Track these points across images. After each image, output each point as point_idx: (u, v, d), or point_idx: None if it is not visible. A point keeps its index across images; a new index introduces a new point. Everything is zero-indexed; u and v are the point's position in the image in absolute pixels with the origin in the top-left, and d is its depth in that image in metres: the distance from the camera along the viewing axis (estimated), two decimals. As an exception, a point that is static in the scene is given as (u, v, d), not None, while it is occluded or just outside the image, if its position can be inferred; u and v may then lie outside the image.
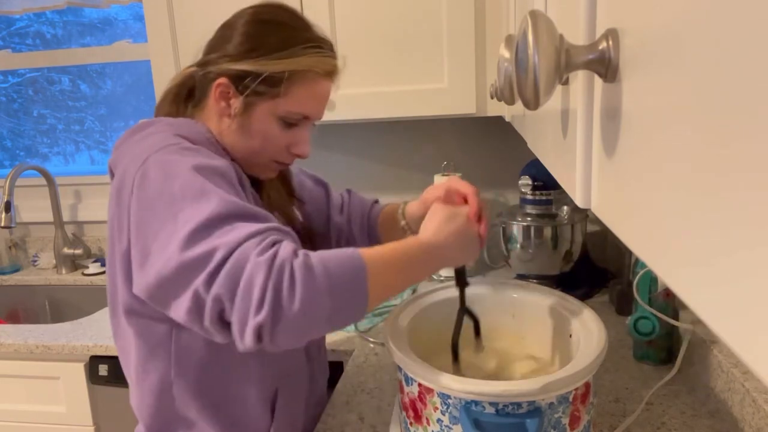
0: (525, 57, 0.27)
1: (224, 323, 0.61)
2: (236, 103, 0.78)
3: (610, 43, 0.27)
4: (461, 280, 0.84)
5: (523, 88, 0.28)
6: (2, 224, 1.75)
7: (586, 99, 0.32)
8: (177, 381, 0.79)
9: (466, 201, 0.84)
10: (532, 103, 0.28)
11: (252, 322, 0.57)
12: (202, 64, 0.83)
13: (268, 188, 0.92)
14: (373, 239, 1.04)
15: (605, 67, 0.27)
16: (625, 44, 0.26)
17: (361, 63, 1.36)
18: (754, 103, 0.14)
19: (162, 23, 1.43)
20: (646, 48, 0.23)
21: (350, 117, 1.40)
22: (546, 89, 0.27)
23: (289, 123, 0.81)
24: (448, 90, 1.34)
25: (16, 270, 2.01)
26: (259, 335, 0.58)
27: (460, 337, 0.82)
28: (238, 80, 0.77)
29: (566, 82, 0.38)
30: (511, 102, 0.64)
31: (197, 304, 0.60)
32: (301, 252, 0.61)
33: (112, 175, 0.77)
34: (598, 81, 0.30)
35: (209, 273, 0.59)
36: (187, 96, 0.86)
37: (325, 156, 1.77)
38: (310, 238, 0.99)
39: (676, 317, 1.02)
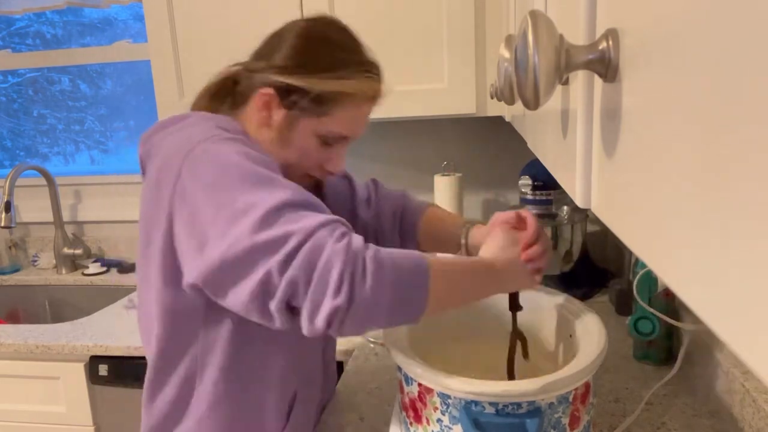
0: (525, 57, 0.27)
1: (290, 308, 0.61)
2: (278, 114, 0.78)
3: (610, 43, 0.27)
4: (514, 304, 0.84)
5: (523, 88, 0.28)
6: (2, 224, 1.75)
7: (586, 99, 0.32)
8: (199, 385, 0.78)
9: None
10: (532, 103, 0.28)
11: (328, 306, 0.58)
12: (248, 69, 0.82)
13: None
14: (406, 239, 1.01)
15: (605, 67, 0.27)
16: (625, 44, 0.26)
17: (361, 63, 1.36)
18: (754, 103, 0.14)
19: (162, 23, 1.43)
20: (646, 48, 0.23)
21: (350, 117, 1.39)
22: (546, 89, 0.27)
23: (328, 142, 0.80)
24: (448, 90, 1.34)
25: (16, 270, 2.01)
26: (330, 320, 0.59)
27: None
28: (284, 93, 0.77)
29: (566, 82, 0.38)
30: (511, 102, 0.64)
31: (266, 287, 0.60)
32: (371, 245, 0.63)
33: (143, 167, 0.77)
34: (598, 81, 0.30)
35: (286, 255, 0.59)
36: (225, 96, 0.85)
37: (325, 156, 1.77)
38: None
39: (676, 317, 1.02)
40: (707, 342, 0.93)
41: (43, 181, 1.92)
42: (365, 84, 0.78)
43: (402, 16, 1.33)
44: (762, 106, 0.14)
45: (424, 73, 1.34)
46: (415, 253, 0.66)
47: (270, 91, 0.77)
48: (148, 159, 0.76)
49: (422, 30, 1.33)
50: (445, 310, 0.69)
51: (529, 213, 0.84)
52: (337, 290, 0.58)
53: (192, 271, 0.66)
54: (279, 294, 0.59)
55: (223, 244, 0.62)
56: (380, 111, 1.39)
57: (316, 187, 0.96)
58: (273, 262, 0.59)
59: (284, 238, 0.60)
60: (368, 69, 0.79)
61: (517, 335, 0.84)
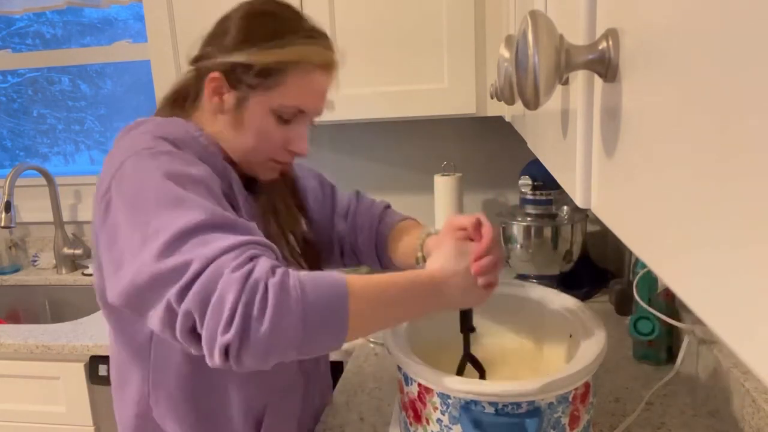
0: (525, 57, 0.27)
1: (196, 336, 0.59)
2: (230, 98, 0.76)
3: (610, 43, 0.27)
4: (466, 324, 0.78)
5: (523, 88, 0.28)
6: (2, 224, 1.75)
7: (586, 99, 0.32)
8: (155, 391, 0.76)
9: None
10: (532, 103, 0.28)
11: (219, 341, 0.55)
12: (196, 59, 0.80)
13: (270, 191, 0.88)
14: (381, 253, 0.98)
15: (605, 67, 0.27)
16: (625, 44, 0.26)
17: (361, 63, 1.36)
18: (754, 103, 0.14)
19: (162, 23, 1.43)
20: (646, 48, 0.23)
21: (350, 117, 1.39)
22: (546, 89, 0.27)
23: (284, 118, 0.77)
24: (448, 90, 1.34)
25: (16, 270, 2.01)
26: (226, 354, 0.56)
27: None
28: (231, 74, 0.75)
29: (566, 82, 0.38)
30: (511, 102, 0.64)
31: (169, 316, 0.58)
32: (279, 270, 0.59)
33: None
34: (598, 81, 0.30)
35: (182, 286, 0.57)
36: (184, 100, 0.83)
37: (324, 156, 1.77)
38: (312, 246, 0.94)
39: (676, 317, 1.02)
40: (707, 342, 0.93)
41: (43, 181, 1.92)
42: (309, 50, 0.76)
43: (402, 16, 1.33)
44: (762, 105, 0.14)
45: (424, 73, 1.34)
46: (334, 274, 0.62)
47: (216, 74, 0.75)
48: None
49: (422, 30, 1.33)
50: (375, 330, 0.67)
51: (485, 220, 0.79)
52: (228, 324, 0.55)
53: (111, 291, 0.64)
54: (178, 324, 0.57)
55: (131, 270, 0.60)
56: (380, 111, 1.40)
57: (287, 184, 0.94)
58: (172, 291, 0.57)
59: (184, 267, 0.57)
60: (310, 35, 0.77)
61: (470, 359, 0.79)
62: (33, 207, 2.03)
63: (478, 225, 0.78)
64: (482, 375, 0.80)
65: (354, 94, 1.37)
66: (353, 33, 1.35)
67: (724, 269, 0.16)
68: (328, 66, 0.79)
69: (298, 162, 0.91)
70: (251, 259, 0.59)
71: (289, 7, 0.79)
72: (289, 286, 0.58)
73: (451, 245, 0.75)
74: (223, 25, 0.79)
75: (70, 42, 2.01)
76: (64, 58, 1.97)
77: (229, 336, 0.55)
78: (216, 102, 0.77)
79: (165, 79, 1.46)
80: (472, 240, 0.77)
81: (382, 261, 0.99)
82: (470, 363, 0.80)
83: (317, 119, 0.84)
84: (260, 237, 0.64)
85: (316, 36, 0.78)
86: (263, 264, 0.58)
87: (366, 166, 1.76)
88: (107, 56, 1.94)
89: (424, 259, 0.87)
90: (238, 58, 0.74)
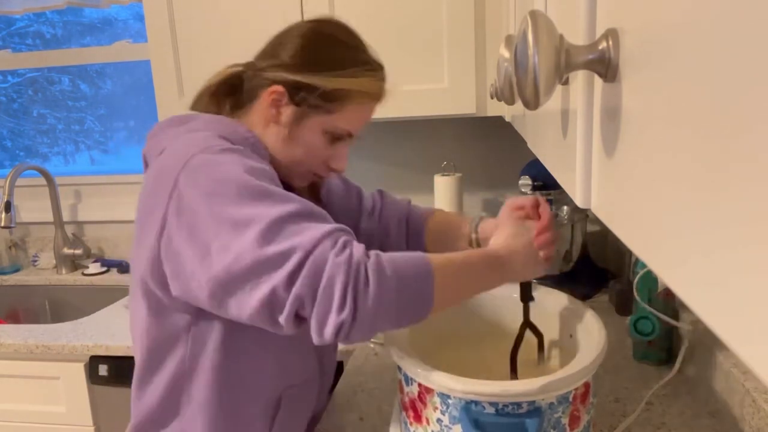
0: (525, 57, 0.27)
1: (298, 319, 0.63)
2: (287, 111, 0.79)
3: (610, 43, 0.27)
4: (526, 295, 0.84)
5: (523, 88, 0.28)
6: (2, 224, 1.75)
7: (586, 99, 0.32)
8: (188, 382, 0.78)
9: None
10: (532, 103, 0.28)
11: (334, 321, 0.60)
12: (254, 68, 0.83)
13: (297, 192, 0.90)
14: (413, 245, 1.01)
15: (605, 67, 0.27)
16: (625, 44, 0.26)
17: (361, 63, 1.36)
18: (754, 103, 0.14)
19: (162, 23, 1.43)
20: (646, 48, 0.23)
21: (350, 117, 1.39)
22: (546, 89, 0.27)
23: (333, 138, 0.82)
24: (448, 90, 1.34)
25: (16, 270, 2.01)
26: (337, 332, 0.61)
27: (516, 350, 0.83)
28: (294, 90, 0.78)
29: (566, 82, 0.38)
30: (511, 102, 0.64)
31: (273, 301, 0.61)
32: (372, 253, 0.64)
33: (146, 164, 0.78)
34: (598, 81, 0.30)
35: (290, 272, 0.60)
36: (226, 94, 0.85)
37: (325, 156, 1.77)
38: None
39: (676, 317, 1.02)
40: (707, 342, 0.93)
41: (43, 181, 1.92)
42: (371, 82, 0.81)
43: (402, 16, 1.33)
44: (762, 105, 0.14)
45: (424, 73, 1.34)
46: (417, 254, 0.67)
47: (279, 88, 0.78)
48: (150, 157, 0.76)
49: (422, 30, 1.33)
50: (453, 305, 0.71)
51: (543, 200, 0.87)
52: (341, 305, 0.60)
53: (191, 281, 0.66)
54: (287, 308, 0.61)
55: (227, 258, 0.62)
56: (380, 111, 1.39)
57: (312, 190, 0.96)
58: (278, 277, 0.60)
59: (288, 253, 0.61)
60: (374, 68, 0.82)
61: (529, 326, 0.84)
62: (33, 207, 2.03)
63: (536, 205, 0.87)
64: (540, 340, 0.85)
65: (354, 94, 1.37)
66: (353, 33, 1.35)
67: (724, 269, 0.16)
68: (381, 96, 0.85)
69: None
70: (345, 245, 0.63)
71: (353, 33, 0.84)
72: (384, 266, 0.62)
73: (512, 224, 0.83)
74: (285, 39, 0.81)
75: (70, 42, 2.01)
76: (64, 58, 1.97)
77: (343, 315, 0.60)
78: (273, 113, 0.80)
79: (165, 79, 1.46)
80: (530, 219, 0.85)
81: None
82: (530, 329, 0.84)
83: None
84: (341, 224, 0.67)
85: (377, 69, 0.83)
86: (358, 248, 0.63)
87: (366, 166, 1.76)
88: (107, 56, 1.94)
89: (479, 243, 0.94)
90: (305, 78, 0.77)
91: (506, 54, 0.54)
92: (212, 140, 0.72)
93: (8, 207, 1.76)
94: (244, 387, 0.79)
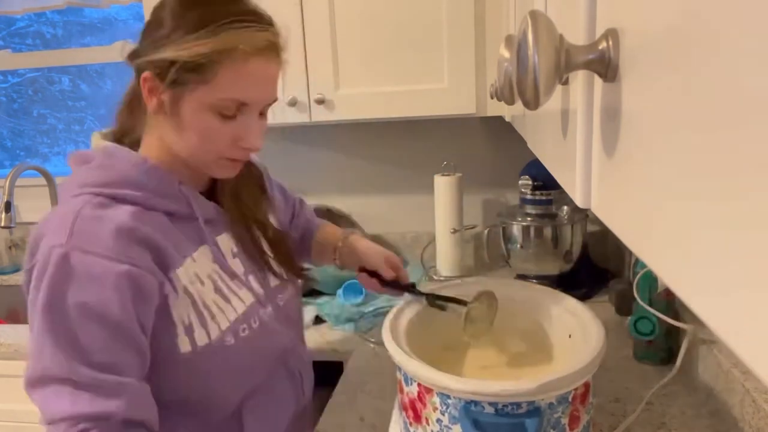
0: (525, 57, 0.27)
1: None
2: (165, 97, 0.70)
3: (610, 43, 0.27)
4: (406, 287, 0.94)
5: (523, 88, 0.28)
6: (2, 224, 1.75)
7: (586, 99, 0.32)
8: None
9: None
10: (532, 103, 0.28)
11: None
12: (131, 56, 0.73)
13: (239, 189, 0.86)
14: (304, 252, 1.10)
15: (605, 67, 0.27)
16: (625, 44, 0.26)
17: (361, 63, 1.36)
18: (754, 103, 0.14)
19: (162, 23, 1.43)
20: (646, 48, 0.23)
21: (350, 117, 1.39)
22: (546, 89, 0.27)
23: (226, 114, 0.71)
24: (448, 90, 1.34)
25: (16, 270, 2.01)
26: None
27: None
28: (163, 72, 0.68)
29: (566, 82, 0.38)
30: (511, 102, 0.64)
31: None
32: None
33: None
34: (598, 81, 0.30)
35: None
36: (136, 103, 0.77)
37: (324, 156, 1.77)
38: (283, 239, 0.95)
39: (676, 317, 1.02)
40: (707, 342, 0.93)
41: (43, 181, 1.92)
42: (239, 35, 0.68)
43: (402, 16, 1.33)
44: (762, 105, 0.14)
45: (424, 73, 1.34)
46: None
47: (147, 74, 0.69)
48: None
49: (422, 30, 1.32)
50: None
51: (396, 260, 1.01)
52: None
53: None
54: None
55: (28, 371, 0.75)
56: (380, 111, 1.40)
57: (250, 176, 0.91)
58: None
59: (40, 408, 0.70)
60: (243, 19, 0.68)
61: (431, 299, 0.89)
62: (33, 207, 2.03)
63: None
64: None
65: (354, 94, 1.37)
66: (353, 33, 1.35)
67: (724, 269, 0.16)
68: (265, 49, 0.71)
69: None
70: None
71: None
72: None
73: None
74: (156, 14, 0.71)
75: (70, 42, 2.01)
76: (64, 58, 1.97)
77: None
78: (154, 103, 0.71)
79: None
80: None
81: (303, 256, 1.11)
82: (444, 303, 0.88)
83: (272, 106, 0.78)
84: (110, 405, 0.66)
85: (248, 18, 0.69)
86: None
87: (366, 166, 1.76)
88: (107, 56, 1.94)
89: (342, 254, 1.04)
90: (167, 53, 0.67)
91: (506, 54, 0.54)
92: (85, 225, 0.67)
93: (8, 207, 1.76)
94: (193, 410, 0.79)
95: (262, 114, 0.77)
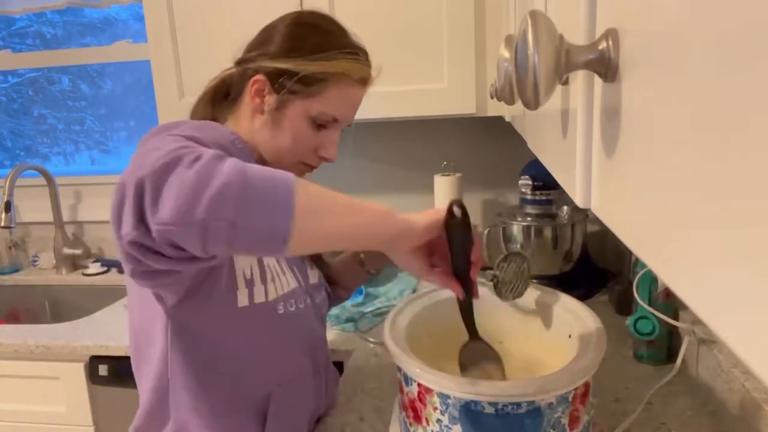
0: (525, 57, 0.27)
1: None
2: (270, 100, 0.81)
3: (610, 43, 0.27)
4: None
5: (523, 88, 0.28)
6: (2, 224, 1.75)
7: (586, 99, 0.32)
8: (171, 373, 0.78)
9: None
10: (532, 103, 0.28)
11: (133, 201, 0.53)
12: (240, 62, 0.85)
13: None
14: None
15: (605, 67, 0.27)
16: (625, 44, 0.26)
17: (361, 63, 1.36)
18: (754, 103, 0.14)
19: (162, 23, 1.43)
20: (646, 48, 0.23)
21: (350, 117, 1.39)
22: (546, 89, 0.27)
23: (319, 124, 0.82)
24: (448, 90, 1.34)
25: (16, 270, 2.01)
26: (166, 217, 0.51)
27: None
28: (275, 78, 0.79)
29: (566, 82, 0.38)
30: (511, 102, 0.64)
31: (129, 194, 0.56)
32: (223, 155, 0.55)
33: None
34: (598, 81, 0.30)
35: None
36: (224, 97, 0.87)
37: (325, 156, 1.77)
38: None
39: (676, 317, 1.02)
40: (707, 342, 0.93)
41: (43, 181, 1.92)
42: (351, 65, 0.81)
43: (402, 16, 1.33)
44: (763, 105, 0.14)
45: (424, 73, 1.34)
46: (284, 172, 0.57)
47: (261, 77, 0.80)
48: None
49: (422, 30, 1.33)
50: (321, 242, 0.59)
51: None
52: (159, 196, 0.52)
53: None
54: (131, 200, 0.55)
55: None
56: (381, 111, 1.40)
57: None
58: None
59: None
60: (353, 51, 0.82)
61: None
62: (33, 207, 2.03)
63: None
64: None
65: (354, 94, 1.37)
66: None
67: (723, 269, 0.16)
68: (365, 81, 0.85)
69: None
70: (198, 157, 0.54)
71: (334, 21, 0.85)
72: (225, 158, 0.54)
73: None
74: (269, 31, 0.83)
75: (70, 42, 2.01)
76: (64, 58, 1.97)
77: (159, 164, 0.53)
78: (257, 102, 0.81)
79: (165, 79, 1.46)
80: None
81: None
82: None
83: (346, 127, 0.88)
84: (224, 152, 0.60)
85: (358, 52, 0.84)
86: (208, 152, 0.55)
87: (366, 166, 1.76)
88: (107, 56, 1.94)
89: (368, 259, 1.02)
90: (284, 64, 0.79)
91: (506, 54, 0.54)
92: (173, 143, 0.62)
93: (8, 207, 1.76)
94: (224, 385, 0.80)
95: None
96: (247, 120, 0.83)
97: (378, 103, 1.37)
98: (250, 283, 0.78)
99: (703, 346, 0.95)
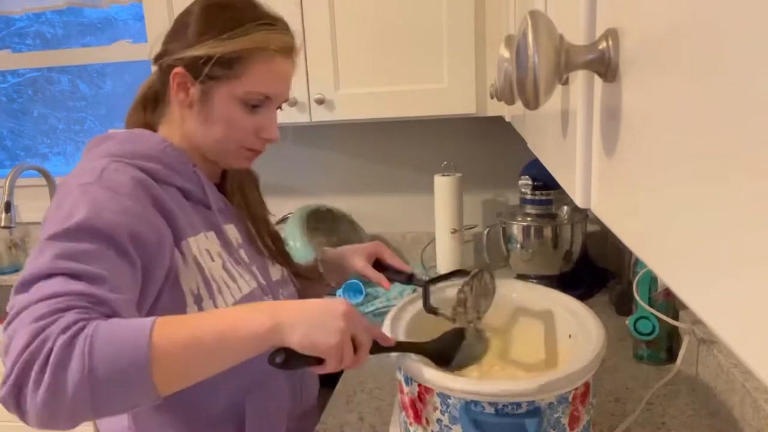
0: (525, 57, 0.27)
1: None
2: (195, 91, 0.78)
3: (610, 43, 0.27)
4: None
5: (523, 88, 0.28)
6: (2, 224, 1.75)
7: (586, 99, 0.32)
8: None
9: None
10: (532, 103, 0.28)
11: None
12: (157, 58, 0.82)
13: (243, 186, 0.94)
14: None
15: (605, 66, 0.27)
16: (625, 44, 0.26)
17: (361, 63, 1.36)
18: (753, 103, 0.14)
19: (162, 23, 1.42)
20: (646, 48, 0.23)
21: (350, 117, 1.40)
22: (546, 89, 0.27)
23: (252, 105, 0.79)
24: (448, 90, 1.34)
25: (16, 270, 2.01)
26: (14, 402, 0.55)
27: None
28: (194, 67, 0.76)
29: (566, 82, 0.38)
30: (511, 102, 0.64)
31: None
32: (78, 326, 0.55)
33: None
34: (598, 81, 0.30)
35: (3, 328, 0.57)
36: (155, 101, 0.85)
37: (324, 156, 1.77)
38: (281, 240, 0.99)
39: (676, 317, 1.02)
40: (707, 342, 0.93)
41: (43, 181, 1.92)
42: (267, 36, 0.78)
43: (402, 16, 1.33)
44: (762, 105, 0.14)
45: (424, 73, 1.34)
46: (144, 323, 0.57)
47: (179, 70, 0.77)
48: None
49: (422, 30, 1.33)
50: (197, 378, 0.61)
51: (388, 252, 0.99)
52: (5, 380, 0.54)
53: None
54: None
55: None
56: (380, 111, 1.40)
57: (250, 177, 0.96)
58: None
59: (10, 308, 0.59)
60: (268, 22, 0.79)
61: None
62: (33, 207, 2.03)
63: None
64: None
65: (354, 94, 1.37)
66: (353, 33, 1.35)
67: (723, 269, 0.16)
68: (287, 50, 0.81)
69: None
70: (60, 311, 0.56)
71: None
72: (76, 343, 0.54)
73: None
74: (182, 19, 0.81)
75: (70, 42, 2.01)
76: (64, 58, 1.97)
77: (3, 391, 0.54)
78: (182, 97, 0.79)
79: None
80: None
81: None
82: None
83: (287, 105, 0.89)
84: (98, 290, 0.60)
85: (274, 22, 0.80)
86: (66, 318, 0.55)
87: (366, 166, 1.76)
88: (107, 56, 1.94)
89: (324, 271, 1.03)
90: (199, 51, 0.76)
91: (506, 54, 0.54)
92: (98, 170, 0.69)
93: (8, 207, 1.76)
94: (195, 400, 0.78)
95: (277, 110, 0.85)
96: (178, 118, 0.81)
97: (378, 103, 1.37)
98: (198, 299, 0.75)
99: (703, 346, 0.95)
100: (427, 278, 0.86)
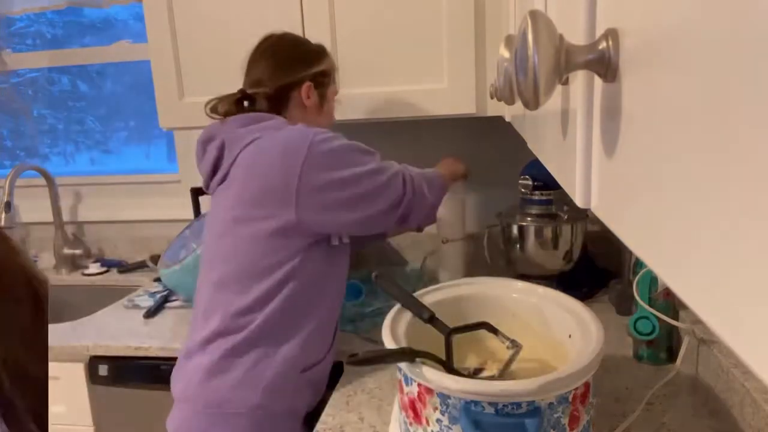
0: (525, 57, 0.27)
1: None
2: (315, 94, 1.16)
3: (610, 43, 0.27)
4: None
5: (522, 88, 0.28)
6: (2, 224, 1.75)
7: (585, 99, 0.32)
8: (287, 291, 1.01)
9: None
10: (532, 103, 0.28)
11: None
12: (274, 86, 1.13)
13: None
14: None
15: (605, 67, 0.27)
16: (625, 44, 0.26)
17: (361, 63, 1.36)
18: (754, 103, 0.14)
19: (162, 23, 1.43)
20: (646, 48, 0.23)
21: (350, 117, 1.39)
22: (546, 89, 0.27)
23: (334, 99, 1.23)
24: (448, 90, 1.34)
25: (16, 270, 2.01)
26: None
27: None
28: (315, 80, 1.16)
29: (566, 82, 0.38)
30: (511, 102, 0.64)
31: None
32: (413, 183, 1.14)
33: (221, 152, 1.05)
34: (597, 81, 0.30)
35: (403, 184, 1.10)
36: (241, 106, 1.12)
37: (325, 156, 1.77)
38: None
39: (676, 317, 1.02)
40: (707, 342, 0.93)
41: (43, 181, 1.92)
42: (331, 58, 1.22)
43: (402, 16, 1.33)
44: (761, 105, 0.14)
45: (424, 73, 1.34)
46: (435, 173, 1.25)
47: (309, 84, 1.14)
48: (234, 146, 1.03)
49: (422, 30, 1.32)
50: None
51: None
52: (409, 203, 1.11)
53: (373, 207, 1.05)
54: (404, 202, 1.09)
55: (386, 186, 1.08)
56: (381, 111, 1.40)
57: None
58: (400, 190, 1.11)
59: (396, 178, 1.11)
60: (325, 50, 1.22)
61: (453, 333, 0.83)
62: (33, 207, 2.03)
63: None
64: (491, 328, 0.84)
65: (354, 94, 1.37)
66: (353, 33, 1.35)
67: (723, 269, 0.16)
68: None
69: None
70: (404, 179, 1.12)
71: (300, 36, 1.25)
72: (423, 190, 1.15)
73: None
74: (273, 55, 1.16)
75: (70, 42, 2.01)
76: (64, 58, 1.97)
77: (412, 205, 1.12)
78: (312, 101, 1.16)
79: (165, 79, 1.46)
80: None
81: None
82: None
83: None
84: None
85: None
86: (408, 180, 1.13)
87: (366, 166, 1.76)
88: (107, 56, 1.94)
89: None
90: (318, 68, 1.16)
91: (506, 54, 0.54)
92: (310, 128, 1.04)
93: (8, 207, 1.76)
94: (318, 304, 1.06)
95: None
96: (299, 115, 1.14)
97: (378, 103, 1.37)
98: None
99: (703, 346, 0.95)
100: (450, 328, 0.83)
